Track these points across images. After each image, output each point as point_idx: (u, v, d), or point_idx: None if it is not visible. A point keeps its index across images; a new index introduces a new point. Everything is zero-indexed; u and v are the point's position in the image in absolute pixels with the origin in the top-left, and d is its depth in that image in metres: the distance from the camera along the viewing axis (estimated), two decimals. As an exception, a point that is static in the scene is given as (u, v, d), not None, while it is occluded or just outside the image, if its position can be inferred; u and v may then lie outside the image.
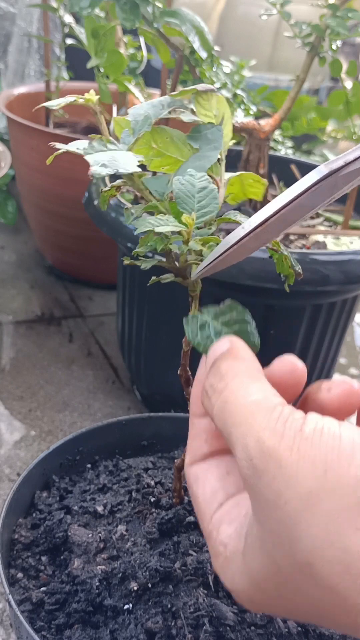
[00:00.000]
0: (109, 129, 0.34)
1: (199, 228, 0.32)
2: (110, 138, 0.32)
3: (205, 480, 0.30)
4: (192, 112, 0.35)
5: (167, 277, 0.34)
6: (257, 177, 0.36)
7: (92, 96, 0.32)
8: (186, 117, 0.34)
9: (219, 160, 0.35)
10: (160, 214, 0.32)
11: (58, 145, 0.31)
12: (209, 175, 0.33)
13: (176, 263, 0.34)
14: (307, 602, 0.25)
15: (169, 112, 0.34)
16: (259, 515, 0.25)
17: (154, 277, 0.34)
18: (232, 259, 0.30)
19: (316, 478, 0.23)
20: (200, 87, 0.35)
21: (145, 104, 0.34)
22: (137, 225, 0.31)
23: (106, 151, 0.30)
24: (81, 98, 0.32)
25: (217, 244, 0.31)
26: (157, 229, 0.30)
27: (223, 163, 0.35)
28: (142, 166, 0.34)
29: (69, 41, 1.06)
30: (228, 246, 0.29)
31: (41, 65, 1.47)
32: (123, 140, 0.33)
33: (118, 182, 0.33)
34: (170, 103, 0.34)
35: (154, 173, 0.35)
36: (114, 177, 0.32)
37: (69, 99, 0.32)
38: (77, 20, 1.13)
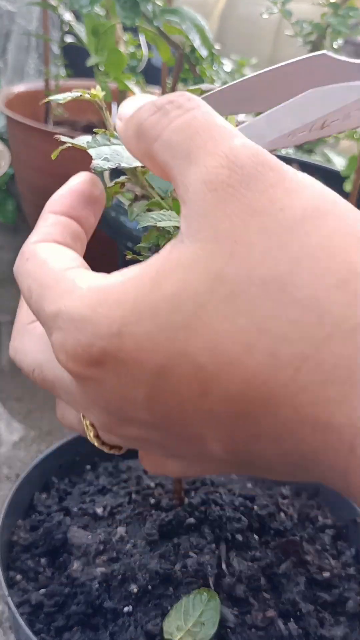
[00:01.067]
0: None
1: None
2: (115, 133, 0.32)
3: (62, 250, 0.25)
4: None
5: None
6: None
7: (99, 92, 0.32)
8: None
9: None
10: (163, 210, 0.32)
11: (63, 138, 0.31)
12: None
13: None
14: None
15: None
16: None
17: None
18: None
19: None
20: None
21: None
22: (140, 221, 0.30)
23: (109, 145, 0.30)
24: (87, 93, 0.32)
25: None
26: (159, 224, 0.29)
27: None
28: None
29: (69, 39, 1.06)
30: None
31: (40, 63, 1.46)
32: None
33: (122, 178, 0.33)
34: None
35: None
36: (116, 175, 0.32)
37: (75, 93, 0.31)
38: (77, 18, 1.13)
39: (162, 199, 0.33)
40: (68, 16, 1.02)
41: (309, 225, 0.19)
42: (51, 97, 0.32)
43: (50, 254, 0.24)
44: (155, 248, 0.33)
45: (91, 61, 0.80)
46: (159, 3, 0.70)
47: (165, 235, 0.32)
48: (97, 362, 0.20)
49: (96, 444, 0.25)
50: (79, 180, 0.28)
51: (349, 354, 0.18)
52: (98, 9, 0.87)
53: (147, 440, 0.23)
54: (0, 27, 1.41)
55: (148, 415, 0.21)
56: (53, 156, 0.31)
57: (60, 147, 0.31)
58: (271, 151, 0.22)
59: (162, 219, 0.30)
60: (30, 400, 0.85)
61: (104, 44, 0.78)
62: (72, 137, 0.32)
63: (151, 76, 1.19)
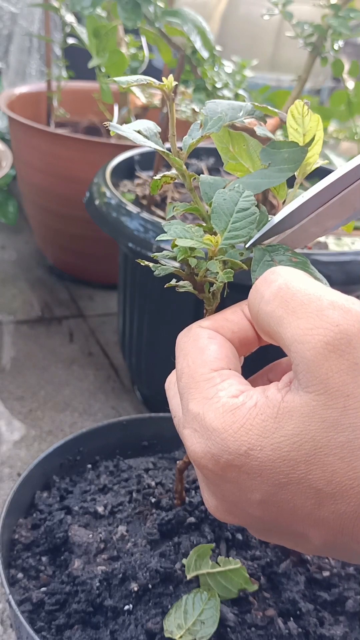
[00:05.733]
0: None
1: (232, 247, 0.30)
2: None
3: (222, 344, 0.28)
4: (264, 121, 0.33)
5: (184, 287, 0.33)
6: None
7: (170, 82, 0.31)
8: (260, 130, 0.33)
9: (294, 181, 0.32)
10: (188, 226, 0.31)
11: (112, 126, 0.30)
12: (272, 194, 0.32)
13: (195, 276, 0.32)
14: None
15: (244, 120, 0.32)
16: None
17: (171, 282, 0.33)
18: (293, 241, 0.31)
19: None
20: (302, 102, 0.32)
21: (225, 103, 0.33)
22: (165, 229, 0.30)
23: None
24: (158, 82, 0.31)
25: (234, 269, 0.31)
26: (178, 242, 0.29)
27: (296, 187, 0.33)
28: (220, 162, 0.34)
29: (70, 41, 1.06)
30: (283, 216, 0.29)
31: (42, 64, 1.47)
32: (190, 134, 0.32)
33: (171, 172, 0.33)
34: (249, 111, 0.33)
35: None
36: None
37: (143, 80, 0.31)
38: (79, 19, 1.13)
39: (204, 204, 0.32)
40: (70, 18, 1.03)
41: None
42: (116, 79, 0.31)
43: (209, 346, 0.28)
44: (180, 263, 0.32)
45: (92, 63, 0.80)
46: (160, 5, 0.70)
47: (187, 249, 0.31)
48: (222, 470, 0.25)
49: None
50: None
51: None
52: (99, 11, 0.88)
53: (251, 525, 0.27)
54: (2, 29, 1.42)
55: (260, 512, 0.25)
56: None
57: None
58: None
59: (184, 235, 0.30)
60: (32, 399, 0.86)
61: (105, 46, 0.78)
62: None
63: (152, 77, 1.19)
